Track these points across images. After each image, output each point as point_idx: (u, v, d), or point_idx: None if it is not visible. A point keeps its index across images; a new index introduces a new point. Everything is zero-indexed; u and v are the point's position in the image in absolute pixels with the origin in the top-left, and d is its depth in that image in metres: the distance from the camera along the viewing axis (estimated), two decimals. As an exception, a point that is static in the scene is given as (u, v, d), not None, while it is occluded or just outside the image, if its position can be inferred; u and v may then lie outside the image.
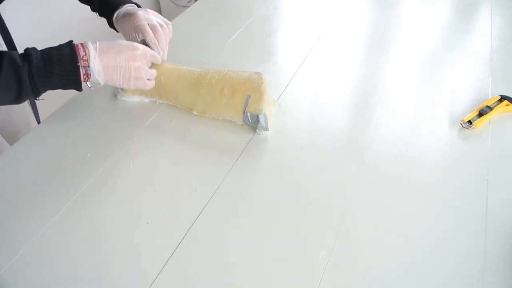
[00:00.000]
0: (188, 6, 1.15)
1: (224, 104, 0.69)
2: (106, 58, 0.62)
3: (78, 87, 0.62)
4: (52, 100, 0.74)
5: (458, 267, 0.53)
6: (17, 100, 0.58)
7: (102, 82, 0.63)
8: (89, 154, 0.66)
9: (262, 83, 0.68)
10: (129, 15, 0.71)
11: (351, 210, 0.59)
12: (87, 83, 0.62)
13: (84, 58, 0.59)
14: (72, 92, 0.65)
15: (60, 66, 0.58)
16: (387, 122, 0.74)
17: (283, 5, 1.12)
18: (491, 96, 0.79)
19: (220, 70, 0.72)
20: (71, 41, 0.61)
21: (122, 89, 0.75)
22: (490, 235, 0.56)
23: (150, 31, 0.70)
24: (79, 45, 0.60)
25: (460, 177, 0.64)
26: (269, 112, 0.70)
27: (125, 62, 0.63)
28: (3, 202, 0.60)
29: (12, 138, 0.86)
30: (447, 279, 0.51)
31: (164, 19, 0.74)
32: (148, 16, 0.71)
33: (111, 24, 0.76)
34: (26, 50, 0.58)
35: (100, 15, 0.78)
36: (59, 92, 0.64)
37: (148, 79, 0.68)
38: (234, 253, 0.54)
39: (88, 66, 0.60)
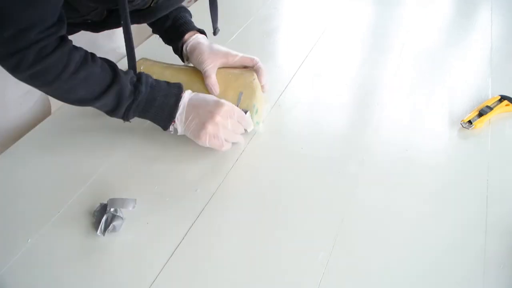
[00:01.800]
0: (188, 6, 1.15)
1: None
2: (189, 120, 0.62)
3: (165, 129, 0.64)
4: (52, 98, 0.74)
5: (458, 267, 0.53)
6: (106, 114, 0.62)
7: (179, 134, 0.64)
8: (89, 154, 0.66)
9: (254, 79, 0.69)
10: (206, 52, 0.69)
11: (351, 210, 0.59)
12: (170, 127, 0.64)
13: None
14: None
15: (158, 111, 0.62)
16: (387, 122, 0.74)
17: (283, 5, 1.12)
18: (491, 96, 0.79)
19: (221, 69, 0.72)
20: (180, 90, 0.62)
21: None
22: (490, 235, 0.56)
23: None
24: (182, 97, 0.62)
25: (460, 177, 0.64)
26: (262, 109, 0.71)
27: (204, 115, 0.61)
28: (3, 202, 0.60)
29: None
30: (447, 279, 0.51)
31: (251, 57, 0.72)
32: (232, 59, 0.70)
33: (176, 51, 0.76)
34: (138, 84, 0.60)
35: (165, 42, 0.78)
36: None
37: (226, 140, 0.63)
38: (234, 253, 0.54)
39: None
